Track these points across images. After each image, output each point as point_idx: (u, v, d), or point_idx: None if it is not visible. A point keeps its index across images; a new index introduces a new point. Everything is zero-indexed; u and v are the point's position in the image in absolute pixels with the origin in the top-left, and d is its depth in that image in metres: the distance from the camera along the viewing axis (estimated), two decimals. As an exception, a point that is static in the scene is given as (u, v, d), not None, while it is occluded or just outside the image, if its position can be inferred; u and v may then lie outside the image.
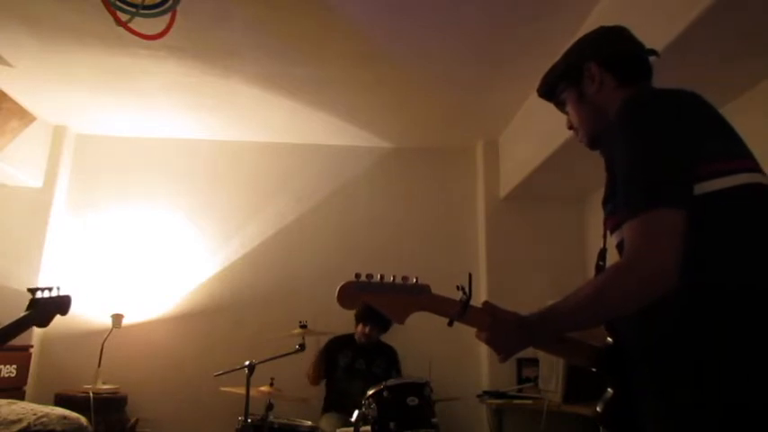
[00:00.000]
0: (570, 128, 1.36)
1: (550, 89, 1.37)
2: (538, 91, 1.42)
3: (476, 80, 3.52)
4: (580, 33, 2.77)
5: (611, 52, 1.27)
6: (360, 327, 3.68)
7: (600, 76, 1.25)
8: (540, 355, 3.49)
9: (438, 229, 4.39)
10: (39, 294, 2.14)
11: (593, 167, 3.78)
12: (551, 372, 3.31)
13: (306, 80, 3.53)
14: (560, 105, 1.37)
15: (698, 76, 2.31)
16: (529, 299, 3.17)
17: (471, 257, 4.26)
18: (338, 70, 3.42)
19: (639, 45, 1.29)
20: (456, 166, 4.54)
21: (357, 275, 1.17)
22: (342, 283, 1.17)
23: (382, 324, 3.66)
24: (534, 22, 2.85)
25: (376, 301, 1.18)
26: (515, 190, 4.07)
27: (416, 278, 1.20)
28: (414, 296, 1.18)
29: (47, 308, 2.15)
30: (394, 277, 1.19)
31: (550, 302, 1.14)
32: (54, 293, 2.18)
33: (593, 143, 1.30)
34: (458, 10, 2.80)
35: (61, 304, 2.21)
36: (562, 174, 3.70)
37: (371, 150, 4.54)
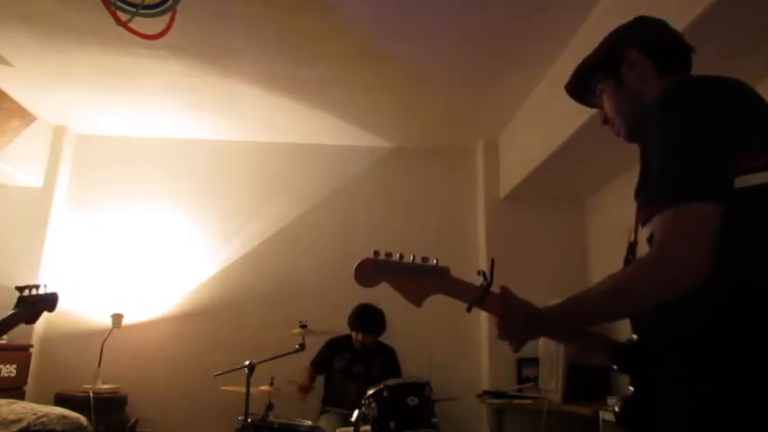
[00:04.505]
0: (604, 122, 1.29)
1: (584, 80, 1.30)
2: (567, 85, 1.35)
3: (476, 80, 3.52)
4: (581, 33, 2.80)
5: (653, 39, 1.22)
6: (354, 333, 3.68)
7: (641, 63, 1.20)
8: (541, 354, 3.49)
9: (438, 229, 4.38)
10: (26, 293, 2.19)
11: (593, 168, 3.78)
12: (551, 372, 3.30)
13: (306, 80, 3.53)
14: (593, 98, 1.31)
15: (698, 74, 2.31)
16: (529, 299, 3.15)
17: (471, 257, 4.25)
18: (339, 70, 3.42)
19: (680, 35, 1.24)
20: (456, 166, 4.54)
21: (376, 253, 1.12)
22: (360, 260, 1.12)
23: (374, 332, 3.65)
24: (534, 22, 2.84)
25: (394, 282, 1.13)
26: (515, 190, 4.07)
27: (436, 260, 1.15)
28: (433, 278, 1.14)
29: (35, 305, 2.20)
30: (413, 257, 1.14)
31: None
32: (42, 291, 2.22)
33: (632, 134, 1.23)
34: (458, 10, 2.80)
35: (48, 301, 2.24)
36: (562, 174, 3.70)
37: (372, 150, 4.54)
